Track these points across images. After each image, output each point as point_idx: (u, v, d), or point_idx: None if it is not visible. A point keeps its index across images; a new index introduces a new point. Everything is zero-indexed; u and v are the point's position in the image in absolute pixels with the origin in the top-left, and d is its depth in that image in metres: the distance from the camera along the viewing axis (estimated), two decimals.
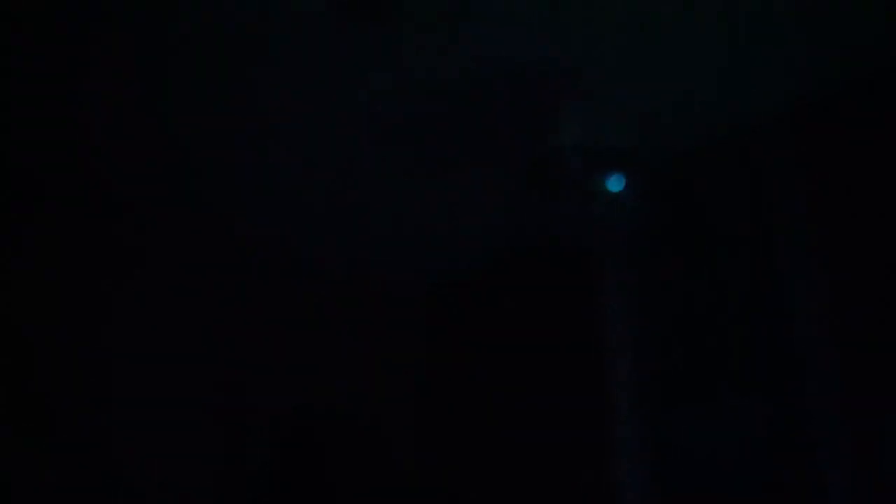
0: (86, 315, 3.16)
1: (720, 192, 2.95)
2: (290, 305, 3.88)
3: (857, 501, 2.32)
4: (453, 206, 3.50)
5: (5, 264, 3.01)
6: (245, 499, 3.39)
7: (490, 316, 3.98)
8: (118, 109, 2.74)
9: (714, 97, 2.71)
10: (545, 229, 2.54)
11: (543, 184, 2.48)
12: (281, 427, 3.59)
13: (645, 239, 3.17)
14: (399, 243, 3.94)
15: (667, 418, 2.93)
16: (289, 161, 3.12)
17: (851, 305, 2.48)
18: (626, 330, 3.16)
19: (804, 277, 2.62)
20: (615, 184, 2.44)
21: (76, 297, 3.16)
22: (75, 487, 2.93)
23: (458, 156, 3.06)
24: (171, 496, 3.17)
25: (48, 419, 2.94)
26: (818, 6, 2.25)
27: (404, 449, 4.08)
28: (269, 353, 3.70)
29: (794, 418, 2.56)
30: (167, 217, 3.50)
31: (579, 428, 3.30)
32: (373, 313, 4.25)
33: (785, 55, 2.48)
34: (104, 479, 3.01)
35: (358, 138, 2.93)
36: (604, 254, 3.30)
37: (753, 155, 2.87)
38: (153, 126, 2.83)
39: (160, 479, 3.16)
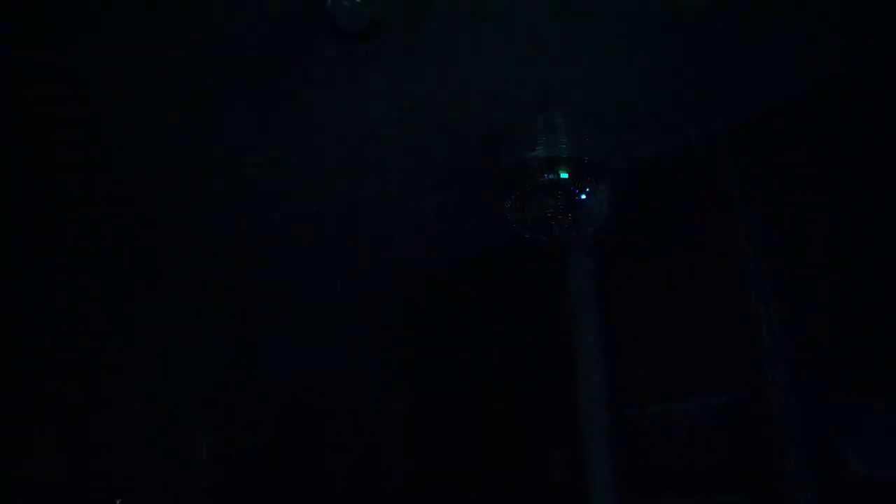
0: (82, 313, 3.21)
1: (687, 198, 3.02)
2: (284, 306, 3.94)
3: (817, 492, 2.39)
4: (443, 210, 3.61)
5: (5, 263, 3.07)
6: (239, 494, 3.43)
7: (477, 315, 4.06)
8: (132, 121, 2.84)
9: (681, 106, 2.81)
10: (522, 233, 2.63)
11: (518, 192, 2.56)
12: (274, 424, 3.61)
13: (615, 242, 3.24)
14: (391, 245, 4.03)
15: (634, 414, 2.98)
16: (285, 168, 3.22)
17: (809, 305, 2.55)
18: (597, 329, 3.23)
19: (764, 277, 2.69)
20: (588, 192, 2.51)
21: (74, 295, 3.21)
22: (72, 484, 2.97)
23: (443, 164, 3.18)
24: (167, 492, 3.22)
25: (46, 416, 2.98)
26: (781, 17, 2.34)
27: (395, 444, 4.16)
28: (262, 351, 3.75)
29: (754, 414, 2.61)
30: (165, 216, 3.56)
31: (555, 423, 3.39)
32: (365, 312, 4.33)
33: (745, 66, 2.57)
34: (100, 474, 3.05)
35: (351, 146, 3.04)
36: (576, 256, 3.40)
37: (718, 161, 2.95)
38: (159, 127, 2.92)
39: (155, 475, 3.21)
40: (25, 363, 2.99)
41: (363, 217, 3.70)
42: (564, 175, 2.59)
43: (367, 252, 4.13)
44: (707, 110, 2.85)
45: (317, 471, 3.63)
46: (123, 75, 2.56)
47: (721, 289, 2.82)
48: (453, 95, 2.71)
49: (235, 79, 2.59)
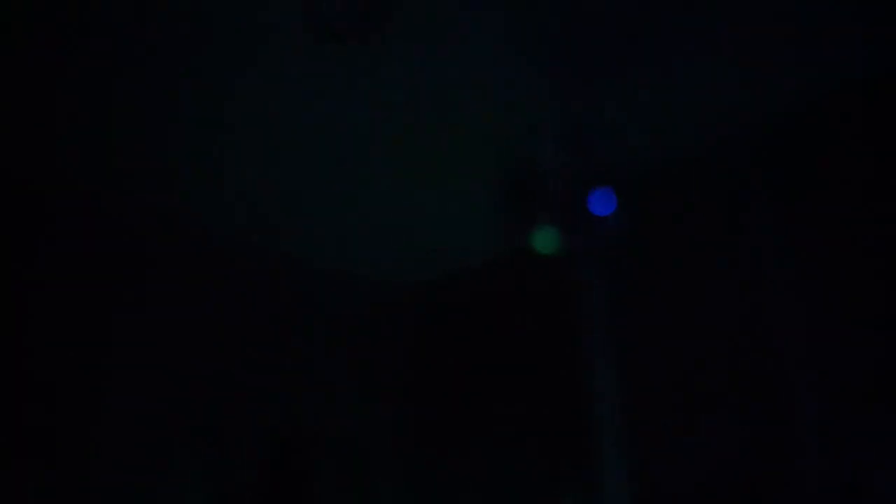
0: (74, 334, 3.12)
1: (705, 209, 2.98)
2: (275, 325, 3.85)
3: None
4: (440, 216, 3.55)
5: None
6: None
7: (475, 328, 4.01)
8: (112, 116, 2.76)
9: (690, 116, 2.78)
10: (530, 246, 2.59)
11: (525, 200, 2.51)
12: (266, 449, 3.56)
13: (628, 255, 3.19)
14: (386, 256, 3.99)
15: (645, 424, 2.94)
16: (276, 174, 3.16)
17: (828, 325, 2.51)
18: (607, 345, 3.18)
19: (785, 292, 2.65)
20: (596, 201, 2.46)
21: (64, 316, 3.12)
22: (69, 492, 2.90)
23: (441, 168, 3.12)
24: None
25: (36, 438, 2.89)
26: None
27: (392, 470, 4.09)
28: (251, 374, 3.66)
29: (776, 438, 2.57)
30: (147, 232, 3.47)
31: (562, 440, 3.34)
32: (361, 330, 4.22)
33: (757, 75, 2.55)
34: (98, 485, 2.99)
35: (349, 149, 2.98)
36: (585, 268, 3.34)
37: (737, 170, 2.91)
38: (149, 128, 2.85)
39: (149, 484, 3.14)
40: (17, 387, 2.90)
41: (359, 226, 3.63)
42: (573, 185, 2.54)
43: (370, 261, 4.06)
44: (725, 117, 2.81)
45: (311, 497, 3.58)
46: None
47: (729, 297, 2.78)
48: (460, 103, 2.66)
49: (227, 79, 2.53)
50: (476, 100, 2.64)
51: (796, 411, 2.50)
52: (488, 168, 3.00)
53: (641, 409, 2.97)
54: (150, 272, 3.42)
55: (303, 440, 3.42)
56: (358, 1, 2.09)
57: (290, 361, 3.80)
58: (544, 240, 2.57)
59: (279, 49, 2.35)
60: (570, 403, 3.29)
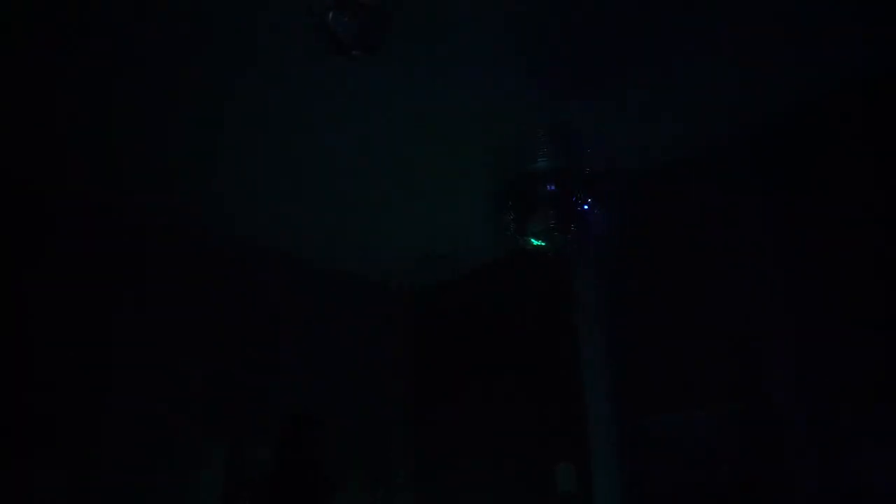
0: (84, 320, 3.14)
1: (694, 207, 2.99)
2: (276, 324, 3.86)
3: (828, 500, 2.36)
4: (440, 216, 3.56)
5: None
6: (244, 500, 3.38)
7: (475, 328, 4.03)
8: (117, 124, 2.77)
9: (690, 116, 2.78)
10: (525, 245, 2.59)
11: (524, 201, 2.51)
12: (280, 437, 3.57)
13: (620, 252, 3.20)
14: (386, 256, 4.00)
15: (642, 425, 2.95)
16: (286, 177, 3.17)
17: (828, 325, 2.51)
18: (604, 340, 3.20)
19: (770, 289, 2.67)
20: (590, 203, 2.47)
21: (76, 301, 3.13)
22: (72, 493, 2.91)
23: (441, 168, 3.13)
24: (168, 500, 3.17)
25: (45, 423, 2.91)
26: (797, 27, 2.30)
27: (400, 456, 4.12)
28: (251, 372, 3.67)
29: (763, 423, 2.59)
30: (166, 226, 3.50)
31: (562, 434, 3.36)
32: (367, 320, 4.26)
33: (757, 75, 2.54)
34: (102, 485, 2.99)
35: (356, 155, 3.00)
36: (585, 268, 3.35)
37: (725, 169, 2.92)
38: (149, 128, 2.86)
39: (160, 494, 3.15)
40: (20, 388, 2.91)
41: (368, 226, 3.65)
42: (565, 186, 2.55)
43: (371, 262, 4.08)
44: (725, 117, 2.81)
45: (313, 496, 3.59)
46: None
47: (728, 296, 2.79)
48: (456, 107, 2.68)
49: (227, 79, 2.55)
50: (476, 101, 2.65)
51: (795, 411, 2.49)
52: (488, 169, 3.02)
53: (640, 408, 2.98)
54: (150, 272, 3.42)
55: (304, 440, 3.42)
56: (361, 15, 2.09)
57: (290, 362, 3.80)
58: (543, 240, 2.57)
59: (279, 49, 2.36)
60: (570, 403, 3.31)
